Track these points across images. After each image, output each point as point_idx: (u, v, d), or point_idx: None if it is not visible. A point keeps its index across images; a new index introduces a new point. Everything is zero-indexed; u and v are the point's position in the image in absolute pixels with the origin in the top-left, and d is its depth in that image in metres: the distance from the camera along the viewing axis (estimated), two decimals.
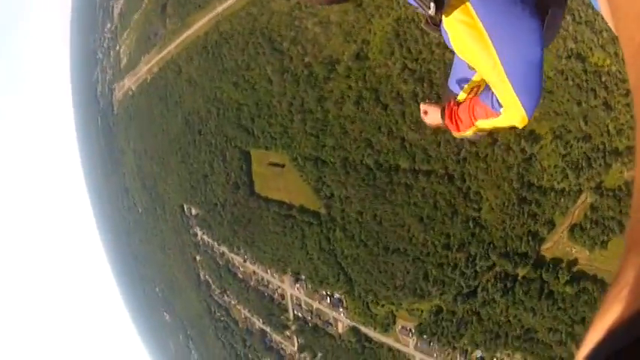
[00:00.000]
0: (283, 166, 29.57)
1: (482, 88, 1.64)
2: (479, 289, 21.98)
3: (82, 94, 76.63)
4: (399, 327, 26.11)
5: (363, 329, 28.02)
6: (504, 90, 1.37)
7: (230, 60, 30.41)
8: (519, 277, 20.92)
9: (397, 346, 26.26)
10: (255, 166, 31.65)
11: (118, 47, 49.60)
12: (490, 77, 1.38)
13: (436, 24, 1.34)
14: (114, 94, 53.74)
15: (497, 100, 1.46)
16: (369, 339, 27.89)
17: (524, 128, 1.86)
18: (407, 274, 24.82)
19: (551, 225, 19.93)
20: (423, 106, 1.81)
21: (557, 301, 19.78)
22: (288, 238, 30.50)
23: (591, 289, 19.06)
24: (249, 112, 30.18)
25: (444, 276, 23.19)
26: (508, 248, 21.09)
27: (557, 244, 20.22)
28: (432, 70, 22.23)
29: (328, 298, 29.67)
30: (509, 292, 21.23)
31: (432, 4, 1.24)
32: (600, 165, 17.85)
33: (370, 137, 24.99)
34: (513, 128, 1.55)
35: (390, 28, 23.11)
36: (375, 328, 27.19)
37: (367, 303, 27.16)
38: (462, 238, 22.50)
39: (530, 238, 20.49)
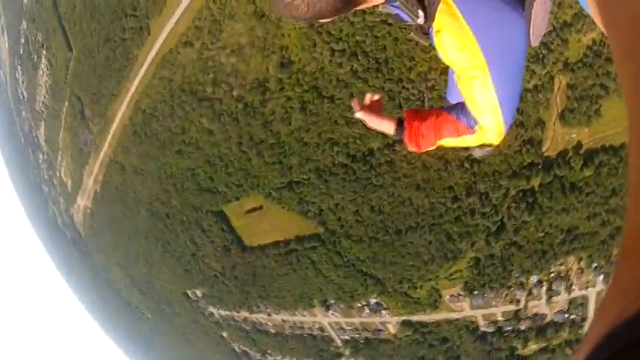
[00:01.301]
0: (261, 207, 28.57)
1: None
2: (505, 220, 21.53)
3: (47, 235, 74.22)
4: (447, 297, 25.57)
5: (414, 318, 27.26)
6: (488, 102, 1.31)
7: (164, 132, 29.43)
8: (536, 188, 20.42)
9: (453, 315, 25.79)
10: (234, 221, 30.48)
11: (57, 173, 48.23)
12: (473, 87, 1.30)
13: (425, 32, 1.31)
14: (74, 220, 51.97)
15: (472, 116, 1.38)
16: (424, 324, 27.19)
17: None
18: (430, 244, 24.40)
19: (542, 124, 19.57)
20: (360, 104, 1.60)
21: (582, 188, 19.41)
22: (299, 272, 29.38)
23: (607, 159, 18.82)
24: (204, 173, 29.06)
25: (467, 226, 22.78)
26: (513, 167, 20.67)
27: (555, 138, 19.92)
28: (359, 40, 21.72)
29: (366, 308, 28.86)
30: (535, 207, 20.79)
31: (421, 13, 1.23)
32: (558, 44, 17.53)
33: (331, 135, 24.34)
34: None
35: (299, 24, 22.32)
36: (424, 311, 26.54)
37: (405, 292, 26.46)
38: (465, 182, 22.13)
39: (528, 146, 20.04)
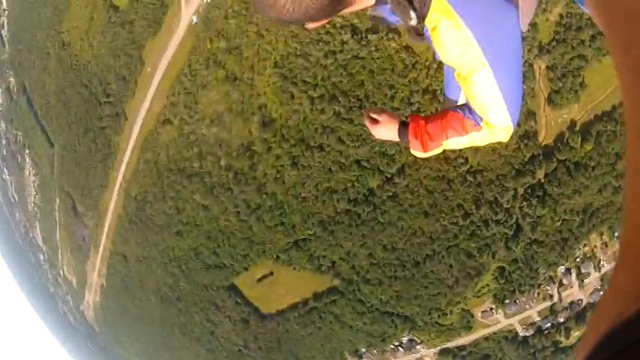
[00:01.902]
0: (272, 273, 27.61)
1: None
2: (520, 221, 21.30)
3: (62, 334, 72.30)
4: (479, 315, 25.11)
5: (451, 345, 26.45)
6: (491, 96, 1.31)
7: (159, 215, 28.52)
8: (543, 179, 20.20)
9: (490, 330, 25.29)
10: (247, 292, 29.30)
11: (61, 272, 47.16)
12: (474, 82, 1.30)
13: (420, 33, 1.31)
14: (86, 316, 50.42)
15: (477, 113, 1.37)
16: (462, 348, 26.36)
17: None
18: (451, 267, 23.88)
19: (532, 114, 19.40)
20: (370, 114, 1.61)
21: (587, 164, 19.26)
22: (324, 329, 28.23)
23: (603, 127, 18.71)
24: (208, 250, 28.00)
25: (484, 239, 22.44)
26: (515, 166, 20.51)
27: (549, 124, 19.63)
28: (336, 82, 21.49)
29: (399, 348, 27.90)
30: (546, 198, 20.55)
31: (413, 14, 1.24)
32: (528, 30, 17.17)
33: (328, 184, 23.74)
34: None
35: (274, 78, 22.24)
36: (459, 335, 25.81)
37: (436, 322, 25.78)
38: (472, 195, 21.88)
39: (525, 141, 19.88)
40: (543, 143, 19.99)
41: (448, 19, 1.22)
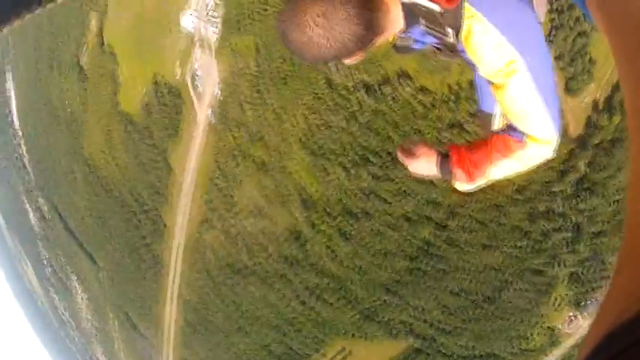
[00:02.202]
0: (344, 349, 26.19)
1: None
2: (578, 220, 20.80)
3: None
4: (562, 327, 23.97)
5: None
6: (532, 102, 1.27)
7: (219, 317, 27.55)
8: (586, 169, 19.60)
9: (576, 338, 24.06)
10: None
11: None
12: (512, 89, 1.27)
13: (453, 50, 1.29)
14: None
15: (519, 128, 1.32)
16: None
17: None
18: (523, 291, 22.80)
19: None
20: (405, 147, 1.52)
21: (620, 137, 18.62)
22: None
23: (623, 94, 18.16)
24: (274, 341, 26.82)
25: (547, 251, 21.71)
26: (557, 168, 20.05)
27: (574, 114, 18.99)
28: (364, 144, 21.01)
29: None
30: (595, 187, 20.06)
31: (450, 30, 1.22)
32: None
33: (380, 247, 22.92)
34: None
35: (303, 156, 21.75)
36: (548, 353, 24.47)
37: (522, 349, 24.52)
38: (525, 213, 21.26)
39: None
40: (575, 135, 19.46)
41: (479, 24, 1.22)
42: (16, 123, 43.13)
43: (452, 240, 22.69)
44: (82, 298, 40.80)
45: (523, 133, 1.32)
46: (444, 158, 1.44)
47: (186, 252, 26.29)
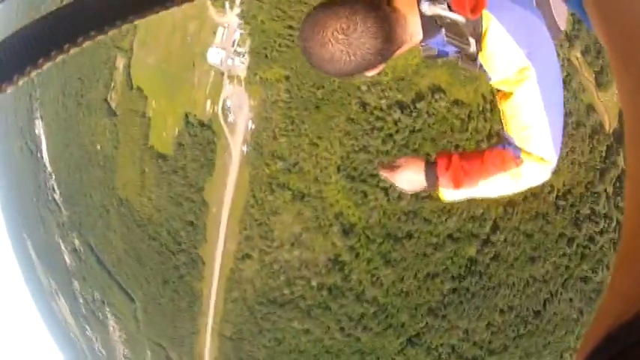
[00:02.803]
0: None
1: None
2: (621, 217, 19.45)
3: None
4: None
5: None
6: (535, 117, 1.25)
7: (259, 350, 26.90)
8: (624, 165, 19.81)
9: None
10: None
11: None
12: (519, 97, 1.27)
13: (473, 58, 1.29)
14: None
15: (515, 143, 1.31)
16: None
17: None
18: (571, 301, 22.73)
19: (591, 107, 19.89)
20: (387, 165, 1.45)
21: None
22: None
23: None
24: None
25: (594, 255, 21.80)
26: (597, 166, 20.37)
27: (608, 108, 19.26)
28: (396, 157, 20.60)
29: None
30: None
31: (472, 39, 1.23)
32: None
33: (427, 269, 22.35)
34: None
35: (341, 182, 21.58)
36: None
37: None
38: (569, 219, 21.41)
39: (595, 137, 19.79)
40: (611, 130, 19.54)
41: (495, 31, 1.22)
42: (48, 165, 43.98)
43: (497, 255, 22.34)
44: (118, 334, 40.62)
45: (519, 149, 1.29)
46: (431, 165, 1.40)
47: (224, 286, 25.99)
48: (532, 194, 21.59)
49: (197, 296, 27.81)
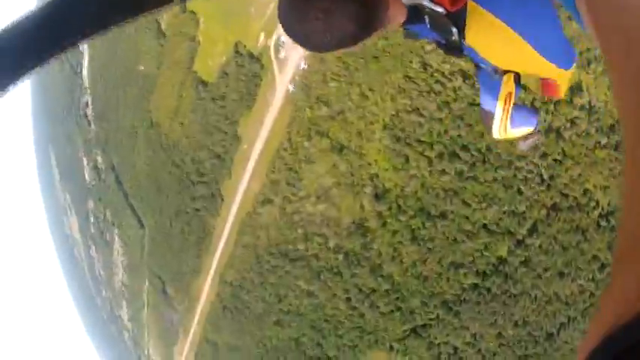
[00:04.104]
0: None
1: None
2: None
3: None
4: None
5: None
6: (544, 67, 1.39)
7: (257, 303, 25.88)
8: None
9: None
10: None
11: (146, 352, 45.70)
12: (526, 63, 1.39)
13: (458, 48, 1.33)
14: None
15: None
16: None
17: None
18: (584, 333, 19.01)
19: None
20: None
21: None
22: None
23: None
24: (311, 341, 24.72)
25: None
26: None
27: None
28: (454, 136, 18.75)
29: None
30: None
31: (454, 28, 1.25)
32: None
33: (453, 258, 20.19)
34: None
35: (384, 142, 19.80)
36: None
37: None
38: (606, 242, 18.55)
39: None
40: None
41: (483, 21, 1.25)
42: (86, 80, 43.81)
43: (528, 261, 19.85)
44: (121, 259, 40.54)
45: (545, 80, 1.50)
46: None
47: (238, 229, 24.78)
48: (577, 205, 19.68)
49: (208, 233, 26.73)
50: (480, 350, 22.44)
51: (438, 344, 22.39)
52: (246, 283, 25.71)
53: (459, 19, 1.22)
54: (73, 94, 46.43)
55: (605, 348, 0.35)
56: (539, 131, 1.69)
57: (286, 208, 21.75)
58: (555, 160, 17.95)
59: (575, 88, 15.83)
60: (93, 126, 41.73)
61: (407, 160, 19.83)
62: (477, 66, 1.40)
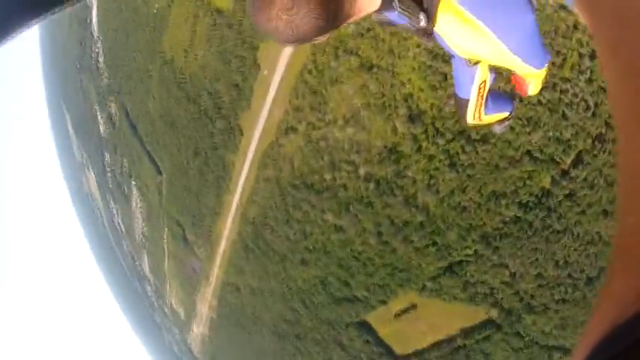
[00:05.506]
0: (414, 306, 22.81)
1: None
2: None
3: None
4: None
5: None
6: (516, 66, 1.42)
7: (281, 241, 24.84)
8: None
9: None
10: (381, 330, 24.56)
11: (168, 303, 46.00)
12: (498, 60, 1.41)
13: (429, 33, 1.36)
14: (192, 349, 48.76)
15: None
16: None
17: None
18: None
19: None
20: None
21: None
22: None
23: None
24: (338, 281, 23.76)
25: None
26: None
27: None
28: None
29: None
30: None
31: (422, 16, 1.28)
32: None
33: (494, 187, 18.89)
34: None
35: (420, 59, 17.88)
36: None
37: None
38: None
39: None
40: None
41: (455, 16, 1.26)
42: (96, 29, 42.31)
43: (573, 194, 18.59)
44: (139, 209, 40.08)
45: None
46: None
47: (259, 162, 23.43)
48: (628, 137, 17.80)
49: (227, 171, 25.50)
50: (517, 292, 21.11)
51: (474, 284, 21.15)
52: (269, 221, 24.58)
53: (430, 6, 1.24)
54: (84, 46, 45.18)
55: (606, 347, 0.34)
56: (513, 117, 1.75)
57: (311, 135, 20.21)
58: (601, 87, 16.20)
59: None
60: (106, 74, 40.58)
61: (445, 77, 17.88)
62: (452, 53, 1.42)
